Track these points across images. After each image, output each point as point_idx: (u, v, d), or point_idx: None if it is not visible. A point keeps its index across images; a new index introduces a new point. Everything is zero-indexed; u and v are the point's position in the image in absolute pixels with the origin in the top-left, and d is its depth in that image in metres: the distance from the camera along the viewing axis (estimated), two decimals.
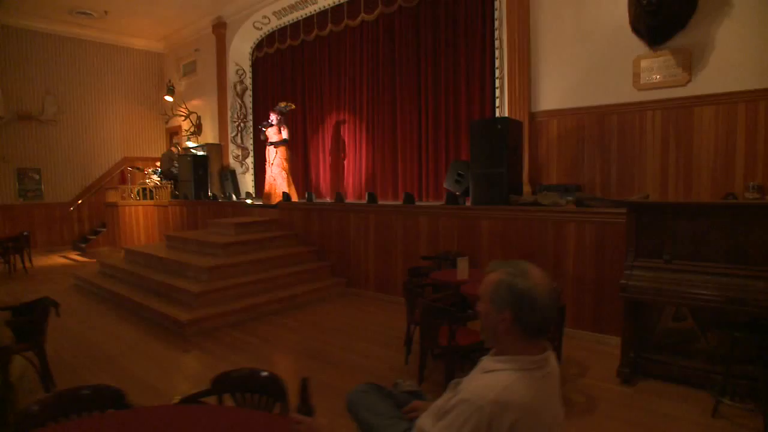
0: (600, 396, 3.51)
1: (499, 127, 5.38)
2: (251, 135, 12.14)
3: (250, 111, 12.12)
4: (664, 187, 5.19)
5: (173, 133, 13.97)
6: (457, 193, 6.02)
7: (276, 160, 8.68)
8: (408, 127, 8.36)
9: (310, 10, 9.98)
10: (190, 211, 10.32)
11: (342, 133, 9.91)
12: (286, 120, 9.26)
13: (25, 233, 9.77)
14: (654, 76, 5.19)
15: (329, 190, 10.21)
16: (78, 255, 11.52)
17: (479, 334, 1.93)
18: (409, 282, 4.23)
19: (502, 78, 6.75)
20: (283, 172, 8.63)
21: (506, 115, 6.46)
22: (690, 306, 3.48)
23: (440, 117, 7.83)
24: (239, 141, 12.21)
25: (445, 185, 6.25)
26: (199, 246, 7.14)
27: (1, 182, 11.56)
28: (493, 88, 7.07)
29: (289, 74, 10.96)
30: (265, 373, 2.01)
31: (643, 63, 5.26)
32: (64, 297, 6.91)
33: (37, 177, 12.02)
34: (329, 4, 9.56)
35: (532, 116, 6.30)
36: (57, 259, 11.07)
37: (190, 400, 1.93)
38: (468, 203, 5.82)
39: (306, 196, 8.21)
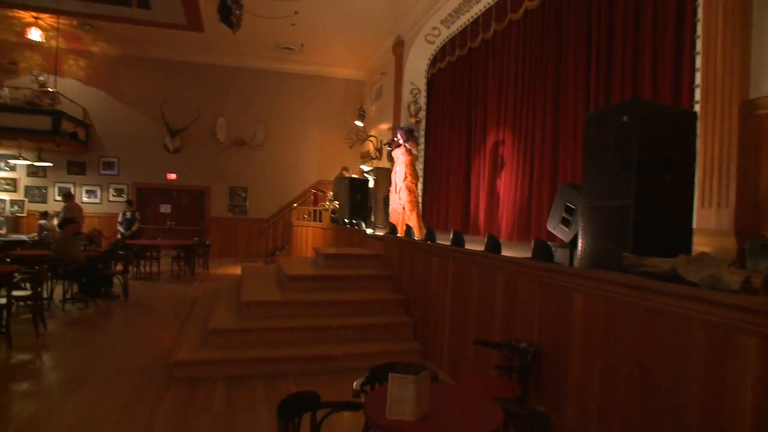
0: None
1: (625, 119, 2.79)
2: (422, 160, 11.06)
3: (422, 133, 11.06)
4: None
5: (368, 157, 14.06)
6: (565, 240, 3.49)
7: (399, 185, 7.25)
8: (572, 138, 5.89)
9: (475, 11, 8.52)
10: (335, 235, 9.81)
11: (500, 153, 7.88)
12: (414, 137, 7.80)
13: (207, 242, 10.84)
14: None
15: (484, 225, 8.25)
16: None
17: None
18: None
19: (706, 54, 3.84)
20: (406, 200, 7.12)
21: (699, 108, 3.60)
22: None
23: None
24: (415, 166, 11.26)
25: (548, 225, 3.75)
26: (277, 276, 6.29)
27: (218, 198, 13.39)
28: (692, 72, 4.19)
29: (458, 88, 9.58)
30: None
31: None
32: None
33: (243, 195, 13.54)
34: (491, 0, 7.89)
35: (749, 107, 3.31)
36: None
37: None
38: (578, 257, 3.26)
39: (425, 229, 6.50)
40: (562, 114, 6.18)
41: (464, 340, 4.11)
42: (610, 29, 5.39)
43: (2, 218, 10.59)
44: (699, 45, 3.96)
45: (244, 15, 9.15)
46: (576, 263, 3.19)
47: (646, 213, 2.72)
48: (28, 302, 5.73)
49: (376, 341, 5.15)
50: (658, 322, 2.23)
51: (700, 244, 3.29)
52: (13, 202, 11.86)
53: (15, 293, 5.84)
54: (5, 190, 11.87)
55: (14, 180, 11.92)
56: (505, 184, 7.69)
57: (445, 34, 9.68)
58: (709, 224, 3.46)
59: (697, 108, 3.82)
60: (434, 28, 9.75)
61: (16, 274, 5.18)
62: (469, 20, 8.77)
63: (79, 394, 4.00)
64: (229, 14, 8.56)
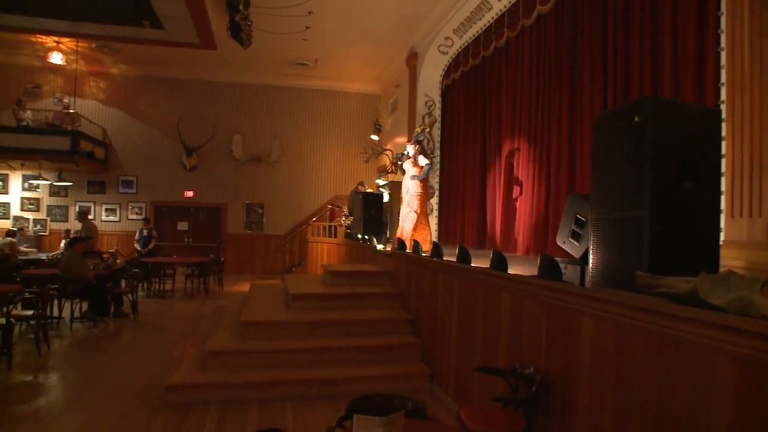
0: None
1: (637, 120, 2.49)
2: (438, 173, 10.80)
3: (437, 145, 10.81)
4: None
5: (384, 172, 13.88)
6: (575, 256, 3.17)
7: (407, 198, 6.99)
8: (589, 146, 5.55)
9: (487, 19, 8.29)
10: (348, 251, 9.60)
11: (515, 164, 7.57)
12: (423, 149, 7.56)
13: (222, 260, 10.77)
14: None
15: (501, 239, 7.92)
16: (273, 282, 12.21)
17: None
18: None
19: (731, 50, 3.50)
20: (413, 213, 6.85)
21: (725, 108, 3.26)
22: None
23: None
24: (427, 179, 11.00)
25: (557, 240, 3.42)
26: (285, 294, 6.09)
27: (234, 215, 13.39)
28: (717, 71, 3.85)
29: (473, 98, 9.36)
30: None
31: None
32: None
33: (260, 211, 13.50)
34: (504, 6, 7.64)
35: None
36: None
37: None
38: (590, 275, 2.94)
39: (432, 245, 6.22)
40: (578, 121, 5.86)
41: (470, 363, 3.80)
42: (626, 29, 5.08)
43: (21, 236, 10.74)
44: (723, 41, 3.63)
45: (255, 32, 9.18)
46: (587, 282, 2.86)
47: (664, 225, 2.40)
48: (31, 322, 5.67)
49: (381, 363, 4.87)
50: (677, 352, 1.90)
51: (730, 258, 2.93)
52: (36, 221, 12.10)
53: (21, 312, 5.84)
54: (29, 210, 12.13)
55: (37, 200, 12.17)
56: (520, 196, 7.36)
57: (458, 44, 9.48)
58: (741, 236, 3.09)
59: (723, 108, 3.48)
60: (447, 38, 9.57)
61: (11, 294, 5.09)
62: (481, 28, 8.56)
63: (66, 418, 3.85)
64: (239, 31, 8.57)
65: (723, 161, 3.01)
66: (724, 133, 3.11)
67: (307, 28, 9.98)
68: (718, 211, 2.69)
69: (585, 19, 5.79)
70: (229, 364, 4.56)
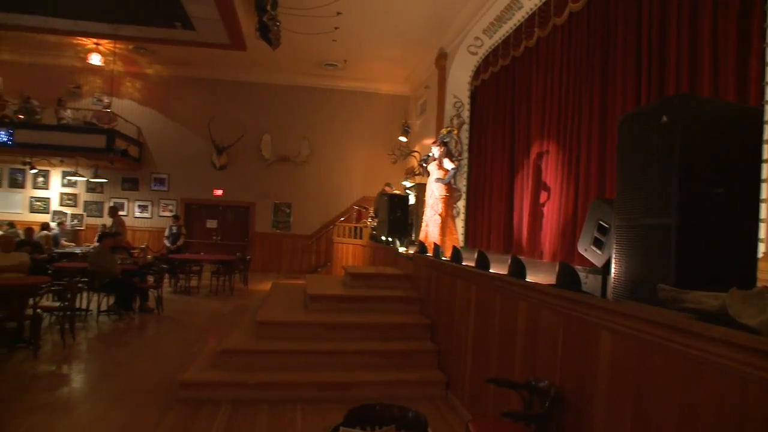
0: None
1: (665, 119, 2.30)
2: (465, 176, 10.60)
3: (466, 148, 10.62)
4: None
5: (412, 173, 13.77)
6: (598, 265, 2.97)
7: (431, 201, 6.85)
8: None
9: (517, 18, 8.08)
10: (372, 253, 9.52)
11: (543, 168, 7.32)
12: (449, 151, 7.40)
13: (247, 258, 10.87)
14: None
15: (527, 244, 7.69)
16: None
17: None
18: None
19: None
20: (437, 216, 6.70)
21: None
22: None
23: None
24: (453, 182, 10.82)
25: (579, 247, 3.22)
26: (303, 294, 6.05)
27: (263, 214, 13.53)
28: (762, 69, 3.57)
29: (502, 99, 9.15)
30: None
31: None
32: None
33: (287, 211, 13.60)
34: (535, 5, 7.42)
35: None
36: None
37: None
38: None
39: (452, 249, 6.05)
40: (609, 124, 5.59)
41: (485, 372, 3.63)
42: (662, 24, 4.81)
43: (61, 231, 11.16)
44: None
45: (284, 33, 9.24)
46: (609, 293, 2.68)
47: (693, 234, 2.20)
48: (57, 313, 5.82)
49: (395, 369, 4.75)
50: (702, 375, 1.72)
51: None
52: (73, 216, 12.55)
53: (49, 304, 6.01)
54: (67, 205, 12.59)
55: (75, 195, 12.62)
56: (548, 200, 7.12)
57: (488, 44, 9.29)
58: None
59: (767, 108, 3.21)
60: (476, 38, 9.39)
61: (39, 286, 5.23)
62: (511, 28, 8.35)
63: (81, 410, 3.89)
64: (267, 31, 8.63)
65: (764, 166, 2.76)
66: (766, 135, 2.86)
67: (335, 28, 9.98)
68: (757, 221, 2.47)
69: (619, 14, 5.53)
70: (242, 363, 4.53)
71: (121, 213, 12.18)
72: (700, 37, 4.28)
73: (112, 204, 12.41)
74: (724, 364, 1.62)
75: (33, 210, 12.46)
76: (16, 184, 12.49)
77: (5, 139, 10.46)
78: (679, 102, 2.30)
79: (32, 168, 11.47)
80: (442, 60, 10.58)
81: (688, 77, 4.36)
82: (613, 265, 2.64)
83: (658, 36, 4.83)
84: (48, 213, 12.38)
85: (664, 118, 2.30)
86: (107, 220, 12.00)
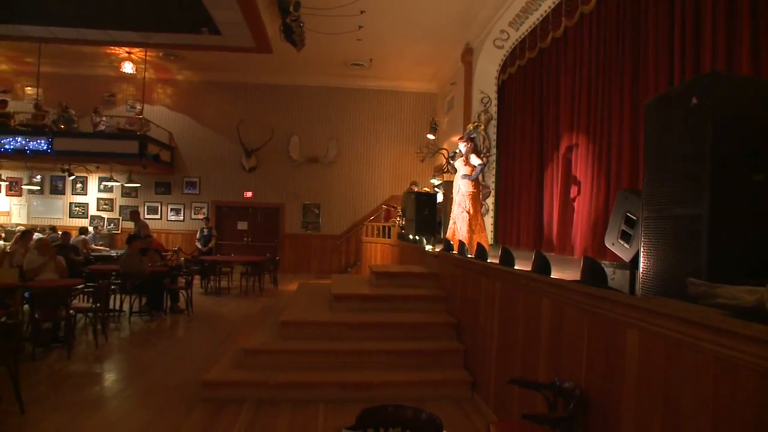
0: None
1: (695, 101, 2.13)
2: (494, 172, 10.40)
3: (494, 144, 10.40)
4: None
5: (441, 171, 13.62)
6: (626, 260, 2.79)
7: (458, 198, 6.70)
8: None
9: (543, 9, 7.88)
10: (400, 252, 9.45)
11: (573, 161, 7.08)
12: (476, 147, 7.23)
13: (277, 258, 10.97)
14: None
15: (558, 241, 7.46)
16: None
17: None
18: None
19: None
20: (465, 213, 6.55)
21: None
22: None
23: None
24: (480, 179, 10.62)
25: (606, 241, 3.04)
26: (329, 295, 6.03)
27: (292, 215, 13.64)
28: None
29: (530, 93, 8.92)
30: None
31: None
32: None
33: (316, 211, 13.67)
34: None
35: None
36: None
37: None
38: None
39: (477, 246, 5.90)
40: (641, 111, 5.31)
41: (509, 372, 3.49)
42: (696, 6, 4.54)
43: (96, 235, 11.55)
44: None
45: (308, 33, 9.26)
46: (638, 289, 2.51)
47: (727, 225, 2.02)
48: (89, 314, 5.99)
49: (420, 369, 4.65)
50: (738, 378, 1.56)
51: None
52: (109, 221, 12.99)
53: (82, 305, 6.20)
54: (104, 210, 13.05)
55: (111, 200, 13.06)
56: (579, 195, 6.86)
57: (514, 36, 9.06)
58: None
59: None
60: (502, 31, 9.17)
61: (76, 288, 5.39)
62: (538, 19, 8.12)
63: (107, 409, 3.98)
64: (291, 33, 8.68)
65: None
66: None
67: (359, 27, 9.95)
68: None
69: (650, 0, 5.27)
70: (265, 363, 4.54)
71: (153, 217, 12.56)
72: (738, 8, 4.01)
73: (146, 208, 12.77)
74: (762, 366, 1.47)
75: (72, 215, 12.98)
76: (57, 191, 13.03)
77: (45, 148, 10.91)
78: (710, 81, 2.12)
79: (71, 175, 11.93)
80: (468, 55, 10.39)
81: (725, 55, 4.09)
82: (641, 260, 2.48)
83: (692, 15, 4.56)
84: (86, 218, 12.86)
85: (694, 100, 2.14)
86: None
